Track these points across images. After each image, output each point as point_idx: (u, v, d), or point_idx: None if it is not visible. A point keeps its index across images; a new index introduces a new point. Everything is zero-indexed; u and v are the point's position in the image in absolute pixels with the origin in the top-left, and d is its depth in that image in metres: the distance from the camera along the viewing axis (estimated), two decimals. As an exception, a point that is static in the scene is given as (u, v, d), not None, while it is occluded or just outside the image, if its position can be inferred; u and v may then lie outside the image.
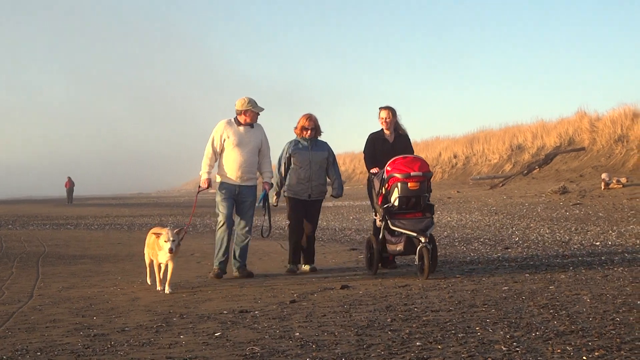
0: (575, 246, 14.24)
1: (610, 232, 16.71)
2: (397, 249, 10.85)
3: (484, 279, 10.47)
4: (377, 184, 11.21)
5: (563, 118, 48.12)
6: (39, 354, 6.61)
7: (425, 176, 10.82)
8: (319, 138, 12.31)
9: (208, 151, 11.64)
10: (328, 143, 12.51)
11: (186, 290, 10.24)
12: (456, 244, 15.77)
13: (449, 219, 23.13)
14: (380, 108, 12.13)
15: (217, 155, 11.64)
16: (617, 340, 6.31)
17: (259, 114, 11.62)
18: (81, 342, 7.07)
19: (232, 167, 11.53)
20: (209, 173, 11.67)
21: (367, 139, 12.28)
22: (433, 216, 11.11)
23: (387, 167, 10.90)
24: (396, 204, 10.75)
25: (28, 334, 7.56)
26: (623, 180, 30.60)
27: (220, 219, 11.47)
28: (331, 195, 12.51)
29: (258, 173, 12.07)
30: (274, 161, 12.33)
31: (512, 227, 19.24)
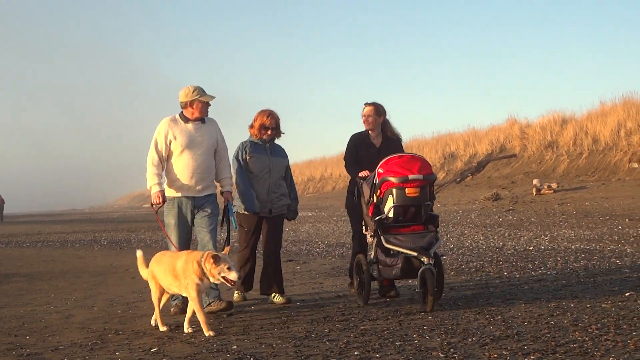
0: (509, 251, 14.41)
1: (543, 236, 16.98)
2: (393, 272, 8.53)
3: (392, 280, 9.71)
4: (366, 190, 8.96)
5: (494, 125, 48.79)
6: (-30, 376, 6.49)
7: (427, 180, 8.49)
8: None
9: (152, 157, 9.05)
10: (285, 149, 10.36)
11: (121, 306, 10.10)
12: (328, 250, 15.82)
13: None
14: (365, 104, 9.98)
15: (164, 161, 9.14)
16: (552, 343, 6.39)
17: (210, 104, 9.17)
18: (13, 362, 6.94)
19: (184, 175, 9.11)
20: (159, 184, 9.04)
21: (349, 141, 10.09)
22: (437, 230, 8.87)
23: (379, 169, 8.62)
24: (390, 215, 8.52)
25: (-42, 355, 7.38)
26: (554, 185, 31.14)
27: (173, 242, 9.01)
28: (285, 218, 10.18)
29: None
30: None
31: (446, 235, 19.43)
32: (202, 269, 7.59)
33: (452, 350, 6.35)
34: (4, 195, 67.91)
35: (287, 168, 10.19)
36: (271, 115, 9.81)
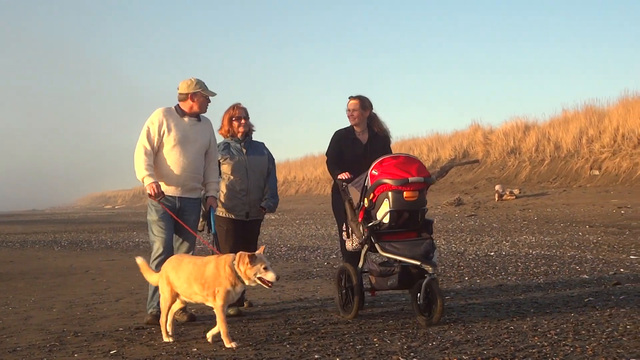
0: (471, 257, 14.47)
1: (504, 242, 17.09)
2: (389, 282, 7.88)
3: (382, 291, 9.43)
4: (355, 194, 8.22)
5: (457, 131, 48.92)
6: None
7: (427, 182, 7.88)
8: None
9: (143, 147, 8.28)
10: (264, 143, 9.60)
11: (81, 308, 10.02)
12: (291, 254, 15.83)
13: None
14: (350, 98, 9.26)
15: (154, 152, 8.37)
16: (512, 348, 6.44)
17: (210, 101, 8.57)
18: (-30, 364, 6.87)
19: (173, 172, 8.42)
20: (152, 175, 8.20)
21: (332, 137, 9.34)
22: (432, 236, 8.20)
23: (373, 171, 7.89)
24: (386, 220, 7.80)
25: None
26: (516, 191, 31.36)
27: (158, 246, 8.28)
28: (260, 207, 9.23)
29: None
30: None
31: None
32: (236, 274, 6.98)
33: (412, 354, 6.39)
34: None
35: (271, 165, 9.39)
36: (237, 105, 9.16)
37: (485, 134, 44.70)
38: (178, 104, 8.53)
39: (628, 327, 7.24)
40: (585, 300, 8.88)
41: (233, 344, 6.93)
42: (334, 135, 9.36)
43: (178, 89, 8.45)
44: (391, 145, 9.61)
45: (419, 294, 7.59)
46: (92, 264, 16.81)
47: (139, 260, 7.84)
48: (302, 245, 19.40)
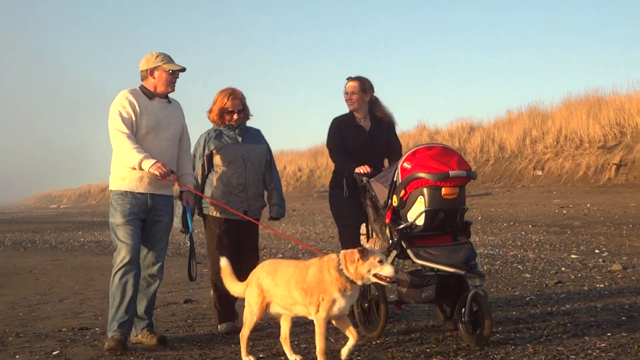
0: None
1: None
2: (423, 295, 6.54)
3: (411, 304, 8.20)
4: (380, 190, 6.95)
5: (404, 132, 49.16)
6: None
7: (470, 177, 6.60)
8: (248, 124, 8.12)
9: (121, 132, 6.77)
10: (261, 131, 8.30)
11: (23, 308, 9.90)
12: (300, 256, 15.77)
13: (293, 231, 23.23)
14: (348, 79, 8.06)
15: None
16: (454, 346, 6.49)
17: (178, 76, 7.12)
18: None
19: None
20: (149, 156, 6.67)
21: (331, 126, 8.10)
22: (470, 240, 6.91)
23: (404, 164, 6.63)
24: (420, 222, 6.55)
25: None
26: (461, 191, 31.56)
27: (123, 254, 6.80)
28: (270, 217, 8.25)
29: None
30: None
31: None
32: (345, 277, 5.79)
33: (356, 352, 6.40)
34: None
35: (269, 156, 8.14)
36: (233, 94, 7.76)
37: (431, 135, 44.97)
38: (142, 85, 7.12)
39: (568, 325, 7.34)
40: (527, 298, 8.98)
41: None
42: (332, 123, 8.12)
43: (139, 67, 7.10)
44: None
45: (463, 310, 6.41)
46: (36, 263, 16.63)
47: (223, 262, 6.61)
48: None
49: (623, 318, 7.60)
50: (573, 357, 6.11)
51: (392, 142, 8.15)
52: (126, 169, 6.83)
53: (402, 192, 6.57)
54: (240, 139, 7.78)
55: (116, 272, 6.83)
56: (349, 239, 7.65)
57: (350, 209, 7.80)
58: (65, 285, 12.22)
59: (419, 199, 6.47)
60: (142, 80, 7.11)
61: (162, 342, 7.08)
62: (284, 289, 6.04)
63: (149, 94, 7.01)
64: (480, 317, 6.30)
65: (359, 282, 5.80)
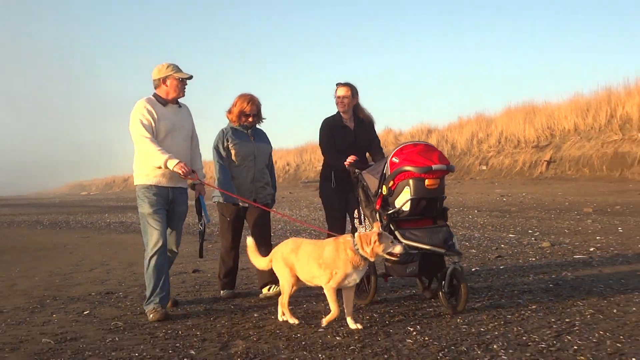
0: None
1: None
2: (408, 270, 6.46)
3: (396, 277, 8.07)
4: (372, 181, 6.84)
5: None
6: None
7: (449, 170, 6.53)
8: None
9: (145, 137, 6.58)
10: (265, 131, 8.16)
11: (59, 277, 9.88)
12: (288, 235, 15.71)
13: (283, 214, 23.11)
14: (338, 84, 7.87)
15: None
16: (412, 307, 6.50)
17: (187, 84, 6.94)
18: (-35, 322, 6.75)
19: None
20: (173, 156, 6.54)
21: (322, 126, 7.90)
22: (448, 224, 6.85)
23: (393, 159, 6.55)
24: (406, 208, 6.46)
25: None
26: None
27: (155, 239, 6.63)
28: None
29: None
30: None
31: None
32: (359, 256, 5.81)
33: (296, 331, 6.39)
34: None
35: (270, 155, 8.04)
36: (252, 100, 7.66)
37: (396, 136, 45.04)
38: (155, 93, 6.93)
39: (506, 291, 7.39)
40: (473, 270, 9.01)
41: (323, 322, 5.96)
42: (323, 124, 7.92)
43: (152, 76, 6.91)
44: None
45: (443, 282, 6.42)
46: (70, 240, 16.56)
47: (249, 241, 6.61)
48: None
49: (550, 285, 7.68)
50: (509, 316, 6.18)
51: (373, 139, 8.05)
52: (149, 167, 6.67)
53: (391, 182, 6.50)
54: (252, 138, 7.70)
55: (152, 256, 6.62)
56: (335, 221, 7.66)
57: (336, 198, 7.74)
58: (94, 258, 12.19)
59: (405, 188, 6.40)
60: (155, 88, 6.93)
61: (175, 305, 7.09)
62: (305, 263, 6.04)
63: (163, 101, 6.84)
64: (458, 289, 6.32)
65: (372, 259, 5.83)
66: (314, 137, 8.39)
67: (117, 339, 5.91)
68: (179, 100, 7.05)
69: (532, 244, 11.63)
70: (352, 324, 5.88)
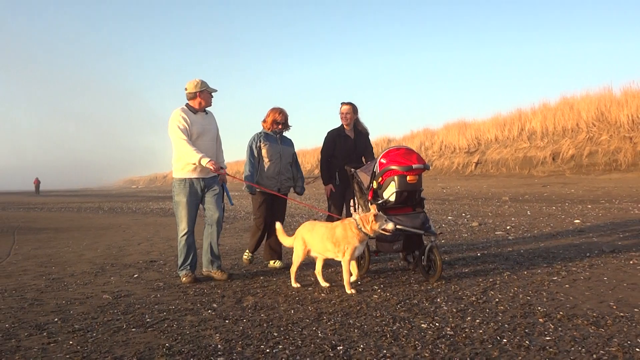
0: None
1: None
2: (395, 247, 6.38)
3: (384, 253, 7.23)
4: (364, 177, 6.73)
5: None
6: (14, 292, 6.23)
7: (426, 168, 6.36)
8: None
9: (183, 140, 6.32)
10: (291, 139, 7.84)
11: (115, 249, 9.82)
12: (299, 220, 15.63)
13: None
14: (342, 103, 7.74)
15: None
16: (368, 278, 6.48)
17: (213, 96, 6.73)
18: (43, 283, 6.70)
19: None
20: (205, 155, 6.35)
21: (326, 137, 7.78)
22: (424, 210, 6.64)
23: (381, 160, 6.42)
24: (392, 199, 6.31)
25: (6, 279, 7.07)
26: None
27: (184, 225, 6.46)
28: (295, 192, 7.79)
29: None
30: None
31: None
32: (362, 233, 5.73)
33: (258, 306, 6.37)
34: (40, 178, 65.50)
35: (294, 154, 7.71)
36: (282, 112, 7.48)
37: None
38: (187, 103, 6.62)
39: (445, 258, 7.40)
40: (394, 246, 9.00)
41: (353, 291, 5.68)
42: (328, 135, 7.74)
43: (186, 89, 6.60)
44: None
45: (423, 257, 6.26)
46: (123, 221, 16.49)
47: (278, 225, 6.43)
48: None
49: (478, 254, 7.70)
50: (448, 277, 6.20)
51: (367, 146, 7.78)
52: (184, 163, 6.41)
53: (380, 178, 6.35)
54: (279, 141, 7.45)
55: (182, 236, 6.44)
56: (336, 208, 7.54)
57: (338, 192, 7.60)
58: (141, 235, 12.13)
59: (391, 183, 6.25)
60: (188, 99, 6.61)
61: (230, 278, 6.62)
62: (319, 241, 5.90)
63: (193, 110, 6.54)
64: (434, 262, 6.12)
65: (371, 234, 5.71)
66: (305, 144, 8.42)
67: (158, 295, 5.88)
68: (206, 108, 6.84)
69: (465, 223, 11.67)
70: (348, 290, 5.68)
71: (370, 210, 6.17)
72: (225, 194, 6.94)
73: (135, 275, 7.07)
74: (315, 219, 6.67)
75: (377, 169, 6.44)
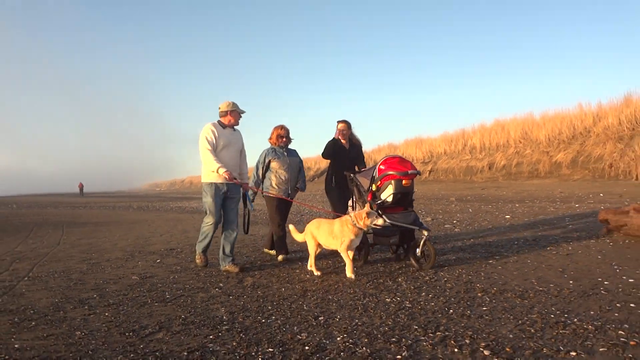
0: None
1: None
2: (391, 240, 6.07)
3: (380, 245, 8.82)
4: (364, 181, 6.33)
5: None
6: (62, 273, 6.15)
7: (418, 174, 6.10)
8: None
9: (208, 150, 5.98)
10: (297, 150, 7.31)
11: (142, 239, 9.70)
12: (305, 218, 15.54)
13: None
14: (338, 121, 7.26)
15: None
16: (329, 262, 6.46)
17: (242, 116, 6.36)
18: (85, 267, 6.60)
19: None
20: (223, 165, 5.97)
21: (327, 145, 7.22)
22: (413, 209, 6.46)
23: (380, 166, 6.12)
24: (389, 199, 5.98)
25: (56, 263, 6.96)
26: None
27: (210, 220, 6.12)
28: (296, 187, 7.04)
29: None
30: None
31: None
32: (357, 228, 5.47)
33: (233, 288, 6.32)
34: (84, 182, 64.82)
35: (300, 165, 7.13)
36: (283, 127, 7.00)
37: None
38: (219, 120, 6.25)
39: (405, 246, 7.41)
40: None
41: (352, 275, 5.40)
42: (329, 143, 7.21)
43: (219, 108, 6.24)
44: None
45: (417, 249, 5.93)
46: (148, 217, 16.31)
47: (291, 226, 6.17)
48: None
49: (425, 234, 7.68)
50: (407, 262, 6.18)
51: (360, 155, 7.36)
52: (210, 169, 6.00)
53: (379, 182, 6.04)
54: (286, 154, 6.91)
55: (206, 225, 6.12)
56: (335, 207, 7.05)
57: (335, 193, 7.13)
58: (163, 228, 12.01)
59: (388, 186, 5.95)
60: (220, 117, 6.23)
61: (243, 270, 6.06)
62: (324, 235, 5.65)
63: (223, 126, 6.15)
64: (428, 254, 5.87)
65: (365, 229, 5.48)
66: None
67: (176, 277, 5.82)
68: (235, 127, 6.44)
69: (420, 218, 11.70)
70: (350, 274, 5.42)
71: (367, 205, 6.01)
72: (247, 200, 6.53)
73: (157, 260, 6.99)
74: (320, 217, 6.35)
75: (376, 174, 6.14)
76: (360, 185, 6.45)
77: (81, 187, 63.61)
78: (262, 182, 6.90)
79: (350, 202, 6.85)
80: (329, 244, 5.65)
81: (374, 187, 6.16)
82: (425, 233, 5.81)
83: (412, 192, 6.08)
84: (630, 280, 4.84)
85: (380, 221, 5.44)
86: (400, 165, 6.02)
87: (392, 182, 5.94)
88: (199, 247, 6.35)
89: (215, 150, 6.03)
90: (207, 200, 6.10)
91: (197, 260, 6.41)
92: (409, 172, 5.92)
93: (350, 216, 5.53)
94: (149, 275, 5.96)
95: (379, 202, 6.03)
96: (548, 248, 6.79)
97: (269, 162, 6.92)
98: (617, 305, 4.08)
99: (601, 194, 15.41)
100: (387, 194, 6.00)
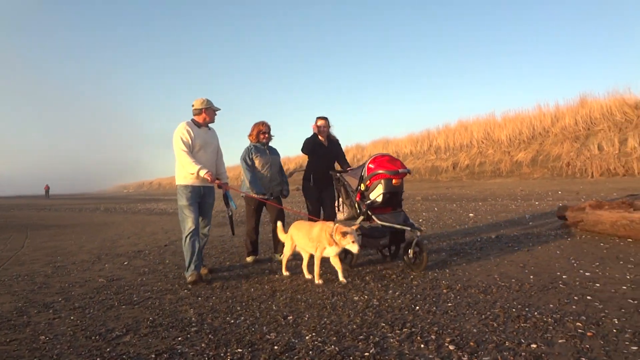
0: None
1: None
2: (382, 242, 5.70)
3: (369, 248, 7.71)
4: (352, 181, 5.97)
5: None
6: (26, 277, 5.95)
7: (408, 173, 5.73)
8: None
9: (184, 151, 5.51)
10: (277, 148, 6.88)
11: (109, 242, 9.48)
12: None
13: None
14: (318, 118, 6.82)
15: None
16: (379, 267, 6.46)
17: (217, 114, 5.90)
18: (50, 270, 6.41)
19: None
20: (203, 167, 5.52)
21: (306, 141, 6.74)
22: (403, 210, 5.95)
23: (369, 165, 5.74)
24: (379, 199, 5.62)
25: (20, 266, 6.74)
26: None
27: (190, 225, 5.49)
28: (282, 195, 6.67)
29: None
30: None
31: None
32: (332, 238, 5.04)
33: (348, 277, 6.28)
34: (50, 184, 62.95)
35: (280, 162, 6.77)
36: (264, 124, 6.59)
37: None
38: (193, 118, 5.78)
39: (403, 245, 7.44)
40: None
41: (320, 281, 5.14)
42: (308, 140, 6.75)
43: (193, 105, 5.79)
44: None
45: (409, 249, 5.66)
46: (116, 219, 15.94)
47: (279, 224, 5.92)
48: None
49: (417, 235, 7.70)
50: (374, 260, 6.19)
51: (339, 152, 6.93)
52: (186, 172, 5.55)
53: (368, 181, 5.68)
54: (268, 152, 6.52)
55: (187, 236, 5.45)
56: (313, 208, 6.65)
57: (314, 192, 6.71)
58: (130, 230, 11.76)
59: (378, 186, 5.60)
60: (194, 115, 5.77)
61: (211, 272, 5.88)
62: (302, 238, 5.36)
63: (198, 124, 5.69)
64: (420, 254, 5.56)
65: (332, 245, 5.07)
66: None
67: (144, 279, 5.70)
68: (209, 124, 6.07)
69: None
70: (342, 278, 5.15)
71: (355, 210, 5.74)
72: (228, 200, 6.08)
73: (125, 263, 6.84)
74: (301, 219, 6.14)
75: (365, 173, 5.78)
76: (347, 184, 6.10)
77: (47, 189, 61.80)
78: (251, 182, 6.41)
79: (336, 203, 6.46)
80: (306, 247, 5.38)
81: (362, 187, 5.81)
82: (417, 233, 5.55)
83: (401, 191, 5.80)
84: (587, 274, 5.00)
85: (355, 248, 4.92)
86: (390, 164, 5.70)
87: (382, 181, 5.63)
88: (190, 263, 5.47)
89: (192, 151, 5.63)
90: (184, 204, 5.60)
91: (189, 278, 5.40)
92: (399, 170, 5.62)
93: (332, 226, 5.12)
94: (116, 277, 5.82)
95: (368, 202, 5.71)
96: (510, 244, 6.93)
97: (252, 159, 6.52)
98: (575, 298, 4.21)
99: (559, 192, 15.90)
100: (377, 194, 5.67)
